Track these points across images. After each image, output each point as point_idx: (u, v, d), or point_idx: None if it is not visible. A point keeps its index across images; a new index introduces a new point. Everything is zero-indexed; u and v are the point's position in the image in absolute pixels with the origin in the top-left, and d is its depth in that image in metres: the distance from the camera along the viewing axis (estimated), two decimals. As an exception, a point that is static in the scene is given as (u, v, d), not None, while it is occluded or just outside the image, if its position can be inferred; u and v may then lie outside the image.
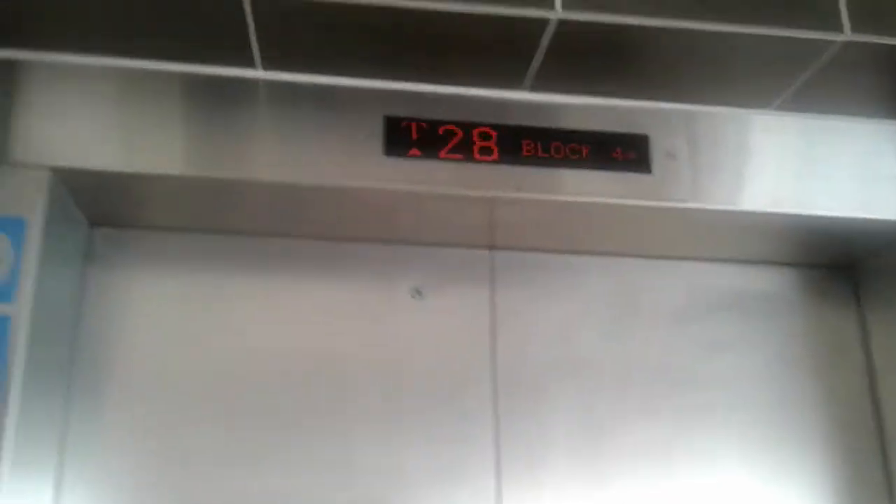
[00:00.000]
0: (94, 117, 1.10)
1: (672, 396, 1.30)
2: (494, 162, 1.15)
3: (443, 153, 1.14)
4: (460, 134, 1.15)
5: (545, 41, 1.05)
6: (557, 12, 1.00)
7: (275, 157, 1.11)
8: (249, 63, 1.13)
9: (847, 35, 1.04)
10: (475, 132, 1.15)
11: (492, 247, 1.34)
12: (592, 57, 1.10)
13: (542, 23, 1.02)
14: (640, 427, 1.27)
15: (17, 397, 0.99)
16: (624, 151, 1.17)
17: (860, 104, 1.20)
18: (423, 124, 1.15)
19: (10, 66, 1.10)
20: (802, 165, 1.21)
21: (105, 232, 1.26)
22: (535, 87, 1.17)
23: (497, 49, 1.08)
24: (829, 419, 1.32)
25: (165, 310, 1.24)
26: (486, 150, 1.15)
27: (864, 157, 1.22)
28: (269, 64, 1.13)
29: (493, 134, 1.16)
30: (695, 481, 1.26)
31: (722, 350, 1.33)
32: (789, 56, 1.09)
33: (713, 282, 1.37)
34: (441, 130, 1.15)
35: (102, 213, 1.23)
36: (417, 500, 1.20)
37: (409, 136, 1.14)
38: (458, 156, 1.14)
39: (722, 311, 1.36)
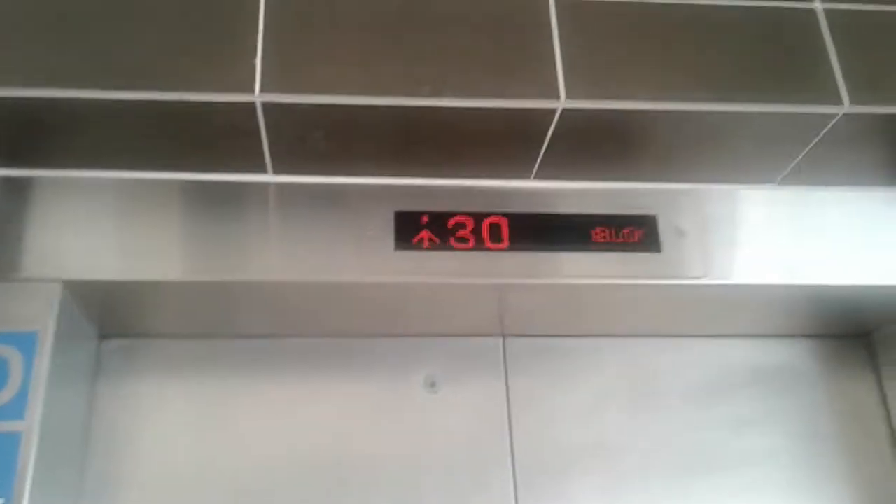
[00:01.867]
0: (104, 229, 1.10)
1: (699, 478, 1.26)
2: (505, 250, 1.15)
3: (453, 243, 1.14)
4: (470, 224, 1.15)
5: (550, 130, 1.07)
6: (562, 102, 1.02)
7: (285, 258, 1.11)
8: (262, 169, 1.14)
9: (846, 107, 1.06)
10: (485, 222, 1.16)
11: (504, 335, 1.33)
12: (597, 143, 1.11)
13: (548, 113, 1.03)
14: (670, 511, 1.24)
15: (28, 516, 0.96)
16: (632, 232, 1.17)
17: (863, 173, 1.22)
18: (434, 217, 1.15)
19: (20, 184, 1.11)
20: (810, 237, 1.21)
21: (114, 343, 1.25)
22: (542, 175, 1.18)
23: (504, 140, 1.09)
24: (857, 492, 1.29)
25: (176, 418, 1.22)
26: (496, 239, 1.15)
27: (871, 224, 1.22)
28: (279, 168, 1.14)
29: (503, 222, 1.16)
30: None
31: (746, 428, 1.31)
32: (790, 131, 1.11)
33: (731, 358, 1.35)
34: (451, 222, 1.15)
35: (112, 324, 1.22)
36: None
37: (419, 229, 1.14)
38: (469, 245, 1.14)
39: (743, 388, 1.33)
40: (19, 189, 1.11)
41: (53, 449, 1.03)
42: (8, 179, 1.11)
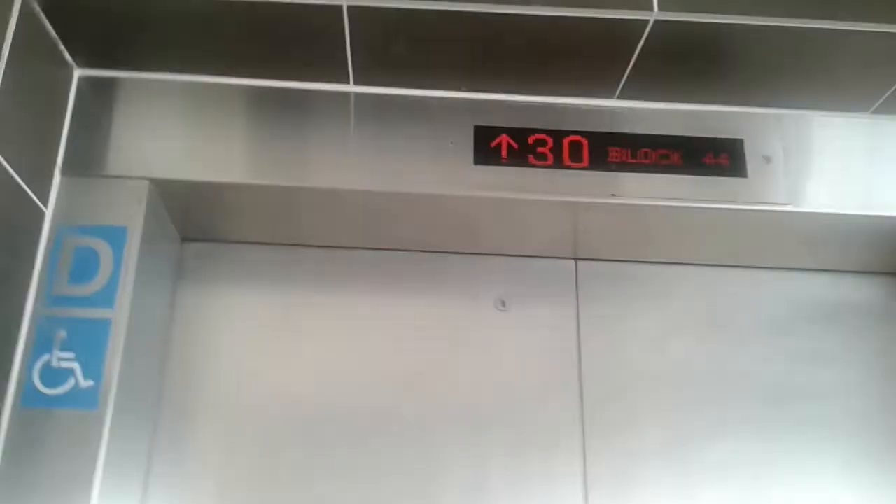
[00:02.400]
0: (189, 132, 1.13)
1: (768, 409, 1.26)
2: (584, 168, 1.14)
3: (532, 160, 1.14)
4: (550, 141, 1.15)
5: (640, 44, 1.04)
6: (654, 13, 0.99)
7: (366, 167, 1.13)
8: (343, 78, 1.14)
9: (956, 28, 1.01)
10: (565, 140, 1.15)
11: (576, 258, 1.32)
12: (687, 60, 1.09)
13: (639, 25, 1.01)
14: (734, 440, 1.24)
15: (113, 401, 1.01)
16: (718, 156, 1.15)
17: (963, 105, 1.17)
18: (513, 132, 1.15)
19: (107, 85, 1.14)
20: (900, 169, 1.17)
21: (196, 247, 1.28)
22: (626, 95, 1.16)
23: (591, 54, 1.07)
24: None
25: (251, 323, 1.26)
26: (576, 157, 1.14)
27: (968, 159, 1.18)
28: (361, 78, 1.14)
29: (584, 141, 1.15)
30: (792, 497, 1.21)
31: (820, 362, 1.29)
32: (886, 54, 1.06)
33: (810, 292, 1.33)
34: (531, 139, 1.15)
35: (194, 226, 1.25)
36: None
37: (498, 144, 1.14)
38: (548, 162, 1.14)
39: (820, 322, 1.31)
40: (106, 90, 1.14)
41: (139, 340, 1.08)
42: (95, 80, 1.14)
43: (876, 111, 1.18)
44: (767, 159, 1.15)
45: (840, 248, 1.27)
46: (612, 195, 1.13)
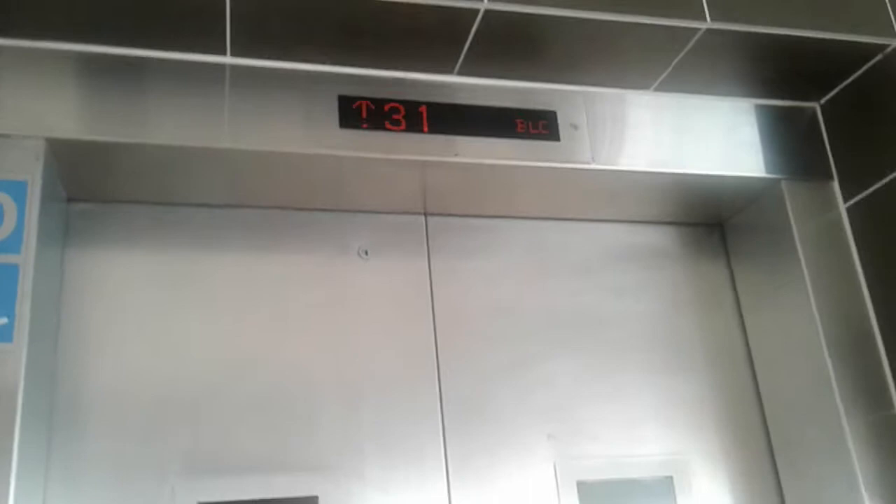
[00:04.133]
0: (80, 97, 1.26)
1: (582, 333, 1.55)
2: (431, 133, 1.37)
3: (388, 125, 1.35)
4: (402, 109, 1.37)
5: (473, 30, 1.29)
6: (484, 3, 1.24)
7: (243, 130, 1.29)
8: (221, 50, 1.31)
9: (708, 23, 1.32)
10: (415, 108, 1.37)
11: (426, 213, 1.56)
12: (512, 46, 1.34)
13: (472, 13, 1.25)
14: (558, 358, 1.51)
15: (27, 336, 1.12)
16: (537, 124, 1.42)
17: (723, 85, 1.50)
18: (372, 101, 1.36)
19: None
20: (677, 135, 1.49)
21: (81, 206, 1.39)
22: (463, 72, 1.41)
23: (433, 36, 1.30)
24: (707, 348, 1.61)
25: (134, 280, 1.38)
26: (424, 124, 1.37)
27: (727, 128, 1.52)
28: (238, 51, 1.31)
29: (430, 110, 1.38)
30: (602, 399, 1.50)
31: (620, 296, 1.59)
32: (662, 43, 1.37)
33: (611, 239, 1.64)
34: (386, 107, 1.37)
35: (80, 187, 1.36)
36: (372, 423, 1.39)
37: (359, 111, 1.35)
38: (401, 127, 1.36)
39: (619, 263, 1.62)
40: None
41: (42, 285, 1.19)
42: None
43: (656, 89, 1.50)
44: (575, 127, 1.44)
45: (633, 201, 1.58)
46: (455, 155, 1.37)
